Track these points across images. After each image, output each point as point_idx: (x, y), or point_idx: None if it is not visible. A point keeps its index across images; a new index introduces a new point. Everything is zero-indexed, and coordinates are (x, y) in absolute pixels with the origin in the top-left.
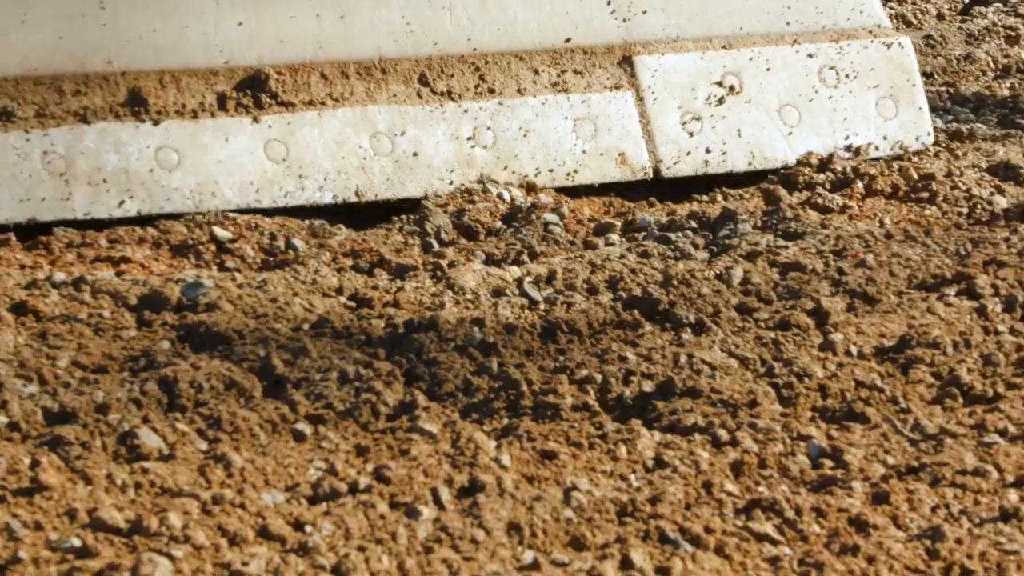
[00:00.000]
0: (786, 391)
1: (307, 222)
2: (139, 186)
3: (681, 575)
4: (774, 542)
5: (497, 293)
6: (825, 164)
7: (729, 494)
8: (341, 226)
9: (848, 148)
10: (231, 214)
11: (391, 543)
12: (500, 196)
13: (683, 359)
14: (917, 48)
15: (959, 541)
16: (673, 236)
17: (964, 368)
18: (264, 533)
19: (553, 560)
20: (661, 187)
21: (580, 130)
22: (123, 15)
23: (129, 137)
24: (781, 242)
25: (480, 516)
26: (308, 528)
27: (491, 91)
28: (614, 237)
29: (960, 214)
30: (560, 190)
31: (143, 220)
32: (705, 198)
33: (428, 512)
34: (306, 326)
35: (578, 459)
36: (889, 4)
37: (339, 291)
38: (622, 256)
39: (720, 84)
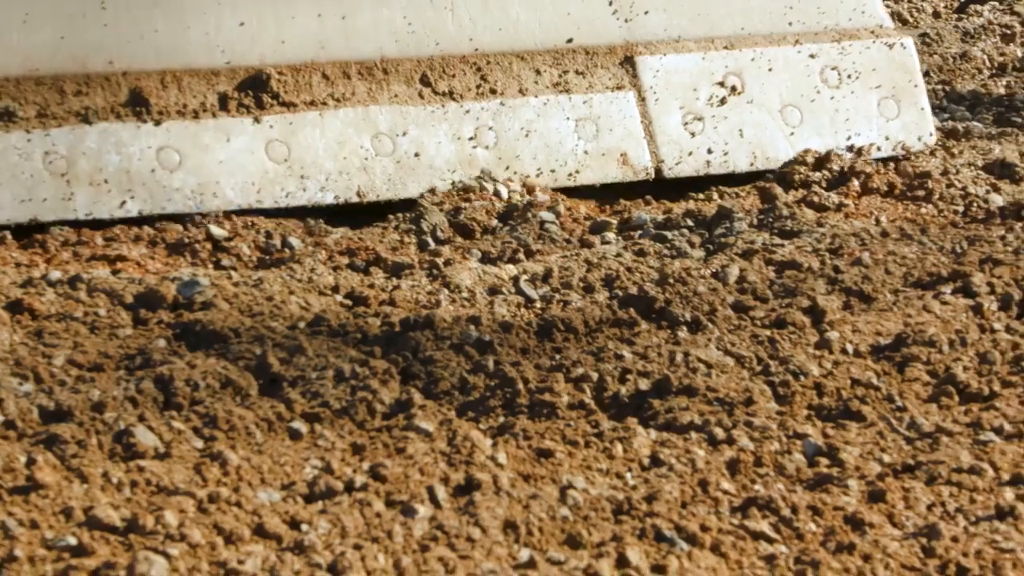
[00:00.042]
0: (782, 389)
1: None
2: (140, 186)
3: (677, 573)
4: (770, 540)
5: (493, 291)
6: (821, 162)
7: (725, 492)
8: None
9: (850, 148)
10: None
11: (387, 541)
12: (497, 193)
13: (679, 357)
14: None
15: (955, 539)
16: (669, 234)
17: (960, 366)
18: (260, 531)
19: (549, 558)
20: (663, 188)
21: (582, 130)
22: (124, 15)
23: (130, 137)
24: (777, 240)
25: (476, 514)
26: (304, 526)
27: (493, 91)
28: (610, 235)
29: (956, 212)
30: (562, 190)
31: (145, 221)
32: (701, 196)
33: (424, 510)
34: (302, 324)
35: (574, 457)
36: (885, 2)
37: (335, 289)
38: (618, 254)
39: (722, 84)
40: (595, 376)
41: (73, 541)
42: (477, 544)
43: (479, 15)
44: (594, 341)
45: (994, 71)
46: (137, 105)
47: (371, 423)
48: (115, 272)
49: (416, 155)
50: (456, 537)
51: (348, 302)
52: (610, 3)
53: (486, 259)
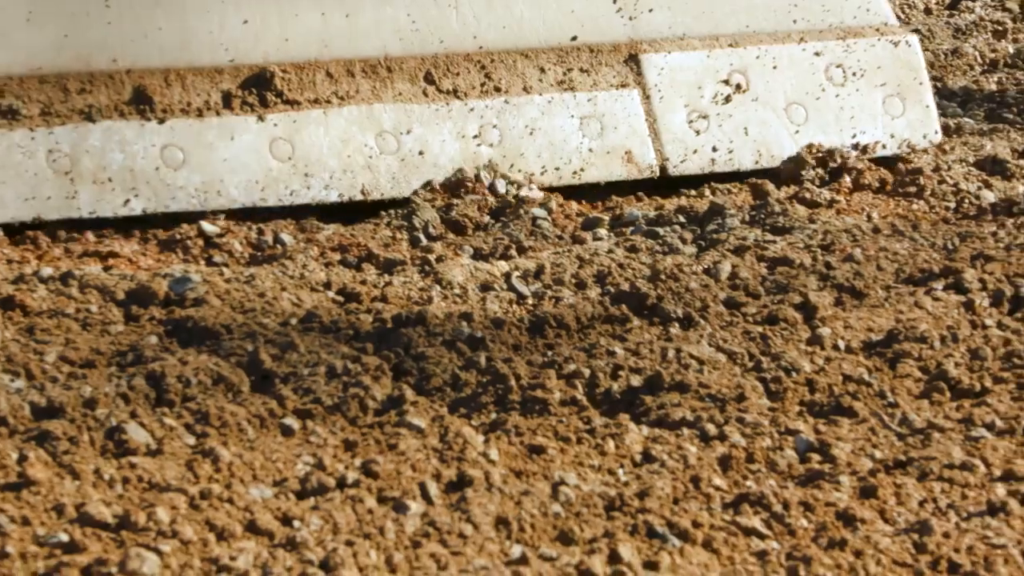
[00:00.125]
0: (774, 385)
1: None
2: (144, 185)
3: (669, 569)
4: (762, 536)
5: (485, 288)
6: (825, 160)
7: (717, 488)
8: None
9: (855, 146)
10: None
11: (379, 538)
12: (492, 188)
13: (671, 354)
14: None
15: (946, 535)
16: (661, 231)
17: (951, 362)
18: (252, 528)
19: (541, 554)
20: (668, 186)
21: (586, 128)
22: (128, 13)
23: (134, 135)
24: (769, 237)
25: (468, 511)
26: (296, 523)
27: (497, 89)
28: (602, 232)
29: (948, 208)
30: (566, 188)
31: (148, 219)
32: (693, 192)
33: (416, 507)
34: (294, 321)
35: (566, 454)
36: None
37: (327, 286)
38: (610, 251)
39: (727, 82)
40: (587, 372)
41: (65, 538)
42: (469, 540)
43: (483, 13)
44: (586, 337)
45: (985, 67)
46: (141, 103)
47: (363, 419)
48: (107, 269)
49: (420, 153)
50: (448, 533)
51: (340, 298)
52: (614, 1)
53: (478, 255)
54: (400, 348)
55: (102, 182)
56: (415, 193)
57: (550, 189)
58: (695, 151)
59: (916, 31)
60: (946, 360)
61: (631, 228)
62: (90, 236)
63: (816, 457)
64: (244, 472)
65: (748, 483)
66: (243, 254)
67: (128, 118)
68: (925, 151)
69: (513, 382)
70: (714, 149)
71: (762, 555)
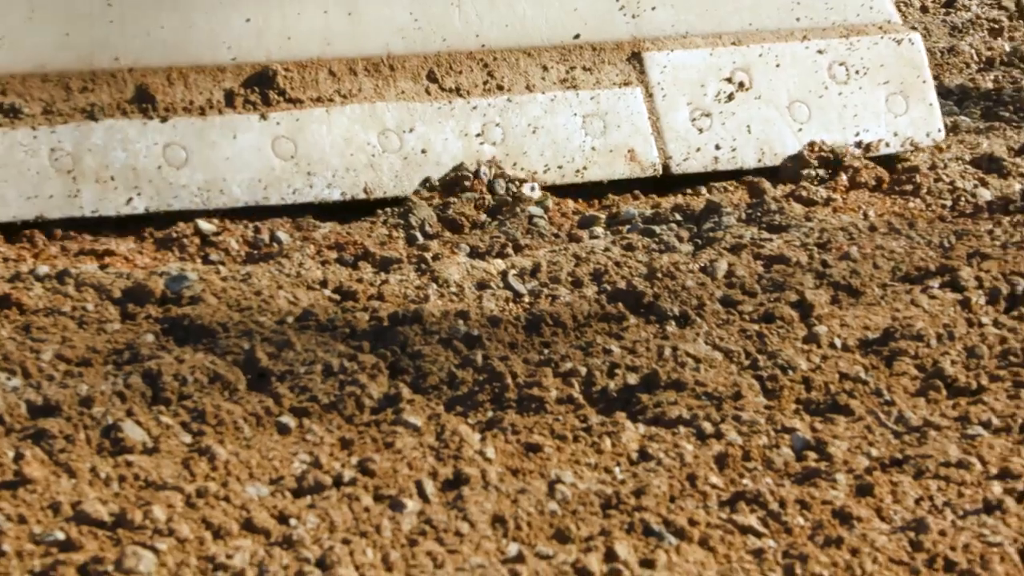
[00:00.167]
0: (770, 383)
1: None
2: (147, 183)
3: (665, 567)
4: (758, 534)
5: (481, 286)
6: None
7: (713, 486)
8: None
9: (858, 144)
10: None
11: (375, 536)
12: (491, 186)
13: (667, 352)
14: None
15: (943, 533)
16: (657, 229)
17: (948, 360)
18: (248, 526)
19: (538, 553)
20: (671, 184)
21: (589, 127)
22: (130, 12)
23: (137, 134)
24: (765, 235)
25: (465, 509)
26: (292, 521)
27: (500, 88)
28: (598, 230)
29: (944, 206)
30: (569, 187)
31: (151, 218)
32: (689, 190)
33: (412, 505)
34: (290, 319)
35: (562, 452)
36: None
37: (323, 284)
38: (606, 249)
39: (730, 80)
40: (583, 371)
41: (61, 536)
42: (465, 538)
43: (486, 11)
44: (582, 336)
45: (982, 65)
46: (143, 102)
47: (359, 418)
48: (103, 267)
49: (423, 152)
50: (444, 531)
51: (336, 297)
52: None
53: (474, 254)
54: (396, 346)
55: (104, 181)
56: (416, 192)
57: (553, 187)
58: (698, 149)
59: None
60: (942, 358)
61: (628, 226)
62: (86, 234)
63: (812, 455)
64: (240, 470)
65: (744, 481)
66: (239, 252)
67: (130, 117)
68: (922, 149)
69: (509, 380)
70: (717, 147)
71: (758, 553)
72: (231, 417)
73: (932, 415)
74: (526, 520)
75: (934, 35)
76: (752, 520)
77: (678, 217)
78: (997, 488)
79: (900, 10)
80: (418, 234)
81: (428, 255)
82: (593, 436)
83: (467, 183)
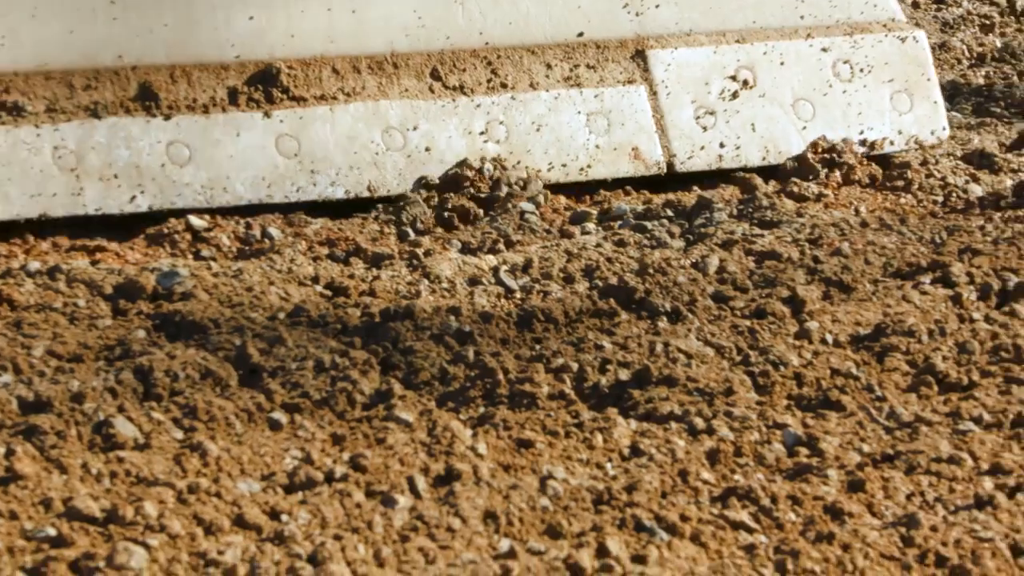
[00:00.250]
0: (762, 379)
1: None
2: (150, 181)
3: (657, 563)
4: (750, 530)
5: (473, 282)
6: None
7: (705, 482)
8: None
9: (863, 143)
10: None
11: (367, 532)
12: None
13: (659, 348)
14: None
15: (934, 528)
16: (649, 225)
17: (939, 356)
18: (240, 522)
19: (529, 548)
20: (675, 182)
21: (593, 125)
22: (133, 9)
23: (140, 132)
24: (757, 231)
25: (456, 505)
26: (284, 517)
27: (503, 86)
28: (590, 226)
29: (935, 202)
30: (573, 185)
31: (154, 216)
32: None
33: (404, 501)
34: (282, 315)
35: (554, 448)
36: None
37: (315, 280)
38: (598, 245)
39: (734, 78)
40: (575, 366)
41: (53, 532)
42: (457, 534)
43: (489, 9)
44: (574, 331)
45: (973, 61)
46: (146, 99)
47: (351, 414)
48: (94, 263)
49: (427, 150)
50: (436, 527)
51: (328, 292)
52: None
53: (466, 250)
54: (388, 342)
55: (108, 179)
56: (419, 190)
57: (557, 185)
58: (702, 147)
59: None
60: (934, 354)
61: (619, 222)
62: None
63: (804, 451)
64: (232, 466)
65: (736, 477)
66: (231, 248)
67: (134, 115)
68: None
69: (501, 376)
70: (721, 145)
71: (750, 549)
72: (223, 413)
73: (923, 411)
74: (518, 516)
75: (925, 31)
76: (744, 516)
77: (669, 213)
78: (988, 484)
79: None
80: (410, 230)
81: (420, 251)
82: (585, 432)
83: (470, 181)
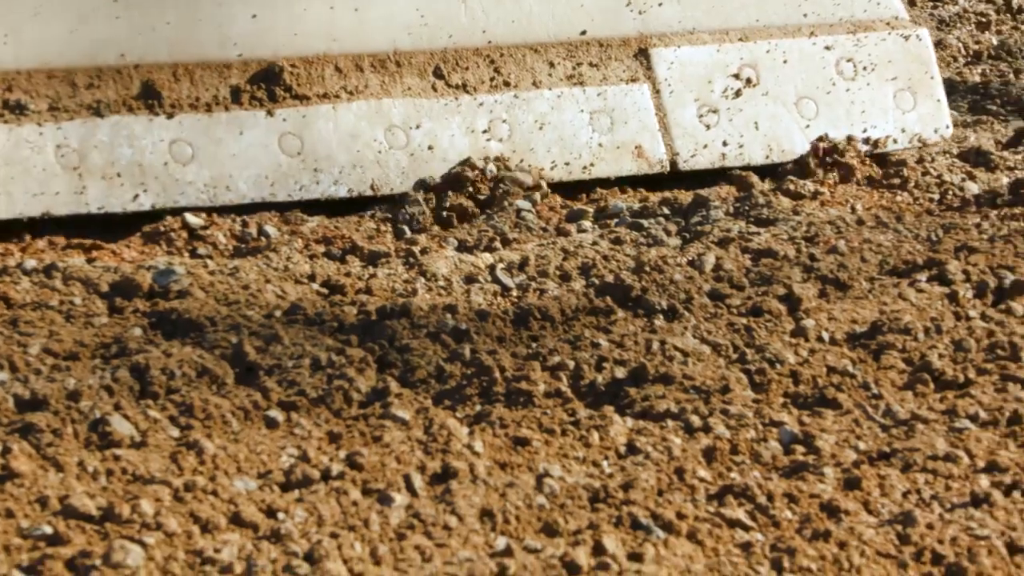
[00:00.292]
0: (758, 377)
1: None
2: (153, 180)
3: (653, 561)
4: (746, 528)
5: (469, 280)
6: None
7: (701, 480)
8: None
9: (866, 141)
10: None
11: (364, 530)
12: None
13: (655, 346)
14: None
15: (930, 526)
16: (645, 223)
17: (935, 354)
18: (236, 520)
19: (526, 546)
20: (678, 181)
21: (596, 123)
22: (136, 8)
23: (143, 130)
24: (753, 228)
25: (453, 503)
26: (280, 515)
27: (506, 84)
28: (586, 224)
29: (931, 200)
30: (576, 184)
31: (158, 215)
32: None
33: (401, 499)
34: (278, 313)
35: (551, 446)
36: None
37: (311, 278)
38: (594, 243)
39: (737, 76)
40: (572, 364)
41: (49, 530)
42: (454, 532)
43: (492, 7)
44: (571, 329)
45: (969, 59)
46: (149, 98)
47: (347, 412)
48: (90, 261)
49: (430, 148)
50: (433, 525)
51: (324, 291)
52: None
53: (462, 247)
54: (384, 340)
55: (111, 177)
56: (422, 189)
57: (560, 184)
58: (705, 146)
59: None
60: (930, 352)
61: (615, 220)
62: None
63: (800, 449)
64: (228, 464)
65: (732, 475)
66: (227, 246)
67: (136, 113)
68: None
69: (498, 374)
70: (724, 144)
71: (746, 547)
72: (219, 411)
73: (920, 408)
74: (514, 514)
75: None
76: (740, 514)
77: (666, 211)
78: (984, 481)
79: None
80: (406, 228)
81: (416, 249)
82: (581, 430)
83: (472, 179)
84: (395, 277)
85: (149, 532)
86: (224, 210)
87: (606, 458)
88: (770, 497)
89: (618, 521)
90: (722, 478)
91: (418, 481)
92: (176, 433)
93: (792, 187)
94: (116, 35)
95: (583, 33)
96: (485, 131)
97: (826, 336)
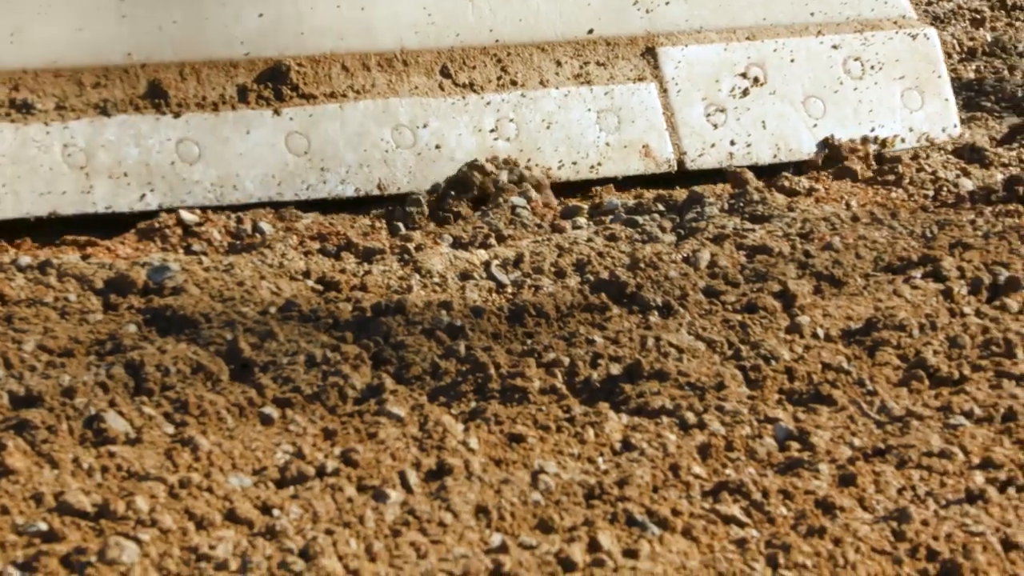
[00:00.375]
0: (753, 374)
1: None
2: (160, 179)
3: (648, 557)
4: (741, 524)
5: (464, 276)
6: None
7: (696, 477)
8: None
9: (874, 140)
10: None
11: (359, 526)
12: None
13: (650, 342)
14: None
15: (925, 523)
16: (640, 219)
17: (930, 350)
18: (231, 517)
19: (521, 543)
20: (685, 180)
21: (603, 122)
22: (142, 7)
23: (150, 130)
24: (748, 225)
25: (448, 499)
26: (276, 512)
27: (513, 83)
28: (581, 220)
29: (926, 197)
30: (584, 183)
31: (164, 214)
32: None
33: (396, 495)
34: (273, 309)
35: (546, 442)
36: None
37: (306, 274)
38: (589, 239)
39: (744, 75)
40: (567, 361)
41: (44, 526)
42: (449, 529)
43: (499, 6)
44: (565, 326)
45: (964, 56)
46: (156, 97)
47: (342, 408)
48: (85, 257)
49: (437, 147)
50: (428, 522)
51: (319, 287)
52: None
53: (457, 244)
54: (379, 337)
55: (117, 177)
56: (430, 188)
57: (567, 183)
58: (713, 145)
59: None
60: (925, 348)
61: (610, 217)
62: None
63: (795, 445)
64: (223, 461)
65: (727, 471)
66: (222, 243)
67: (143, 112)
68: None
69: (493, 371)
70: (732, 143)
71: (742, 543)
72: (214, 408)
73: (914, 405)
74: (509, 510)
75: None
76: (735, 510)
77: (661, 207)
78: (979, 478)
79: None
80: (401, 225)
81: (411, 246)
82: (576, 426)
83: (479, 179)
84: (390, 274)
85: (144, 528)
86: (231, 209)
87: (601, 455)
88: (765, 493)
89: (613, 518)
90: (717, 474)
91: (413, 478)
92: (171, 430)
93: (787, 183)
94: (122, 34)
95: (590, 32)
96: (492, 130)
97: (821, 332)
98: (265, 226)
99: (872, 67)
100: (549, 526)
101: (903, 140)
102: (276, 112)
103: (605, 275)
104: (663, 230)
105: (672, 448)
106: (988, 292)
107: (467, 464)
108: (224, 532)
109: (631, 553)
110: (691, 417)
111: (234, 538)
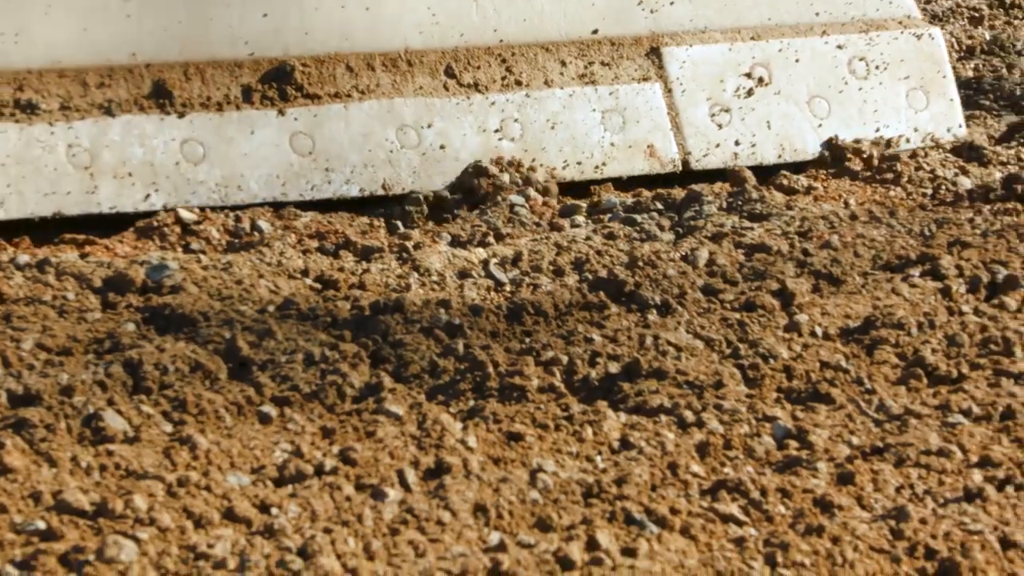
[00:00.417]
0: (752, 372)
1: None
2: (164, 179)
3: (647, 556)
4: (740, 523)
5: (463, 275)
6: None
7: (695, 475)
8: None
9: (879, 141)
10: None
11: (357, 525)
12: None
13: (649, 341)
14: None
15: (923, 521)
16: (639, 218)
17: (928, 349)
18: (230, 515)
19: (519, 542)
20: (690, 180)
21: (608, 122)
22: (147, 7)
23: (154, 130)
24: (746, 223)
25: (446, 498)
26: (274, 510)
27: (518, 83)
28: (580, 219)
29: (925, 195)
30: (588, 183)
31: (163, 213)
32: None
33: (394, 494)
34: (271, 308)
35: (544, 441)
36: None
37: (305, 273)
38: (588, 238)
39: (749, 75)
40: (565, 359)
41: (42, 525)
42: (447, 527)
43: (504, 5)
44: (564, 324)
45: (962, 54)
46: (160, 97)
47: (341, 407)
48: (83, 256)
49: (441, 147)
50: (426, 520)
51: (318, 285)
52: None
53: (456, 243)
54: (378, 335)
55: (122, 177)
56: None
57: (572, 183)
58: (717, 145)
59: None
60: (923, 346)
61: (609, 215)
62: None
63: (793, 443)
64: (222, 459)
65: (726, 470)
66: (220, 241)
67: (148, 112)
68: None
69: (491, 369)
70: (737, 143)
71: (740, 541)
72: (212, 406)
73: (913, 403)
74: (508, 509)
75: None
76: (733, 509)
77: (659, 206)
78: (978, 476)
79: None
80: (399, 223)
81: (409, 244)
82: (575, 425)
83: (483, 178)
84: (388, 272)
85: (142, 527)
86: (236, 210)
87: (599, 453)
88: (763, 492)
89: (611, 516)
90: (715, 473)
91: (411, 476)
92: (169, 428)
93: (785, 182)
94: (127, 34)
95: (595, 32)
96: (497, 130)
97: (819, 331)
98: (264, 224)
99: (877, 67)
100: (547, 525)
101: (908, 140)
102: (280, 112)
103: (603, 273)
104: (661, 228)
105: (670, 447)
106: (986, 290)
107: (465, 463)
108: (222, 531)
109: (629, 552)
110: (689, 416)
111: (232, 537)
